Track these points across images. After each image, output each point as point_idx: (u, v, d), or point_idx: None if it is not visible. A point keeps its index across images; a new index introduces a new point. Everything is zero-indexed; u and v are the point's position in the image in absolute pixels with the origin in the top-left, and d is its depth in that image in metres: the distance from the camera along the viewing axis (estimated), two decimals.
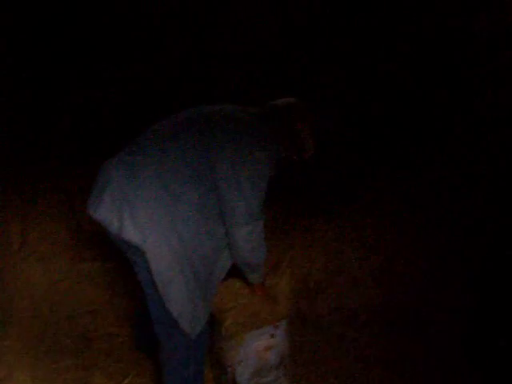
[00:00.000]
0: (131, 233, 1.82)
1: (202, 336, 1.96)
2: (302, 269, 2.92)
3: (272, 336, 2.11)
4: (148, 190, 1.83)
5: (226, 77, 3.97)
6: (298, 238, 3.14)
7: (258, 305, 2.15)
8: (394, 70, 3.71)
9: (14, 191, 3.43)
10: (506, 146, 3.20)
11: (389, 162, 3.53)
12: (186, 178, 1.85)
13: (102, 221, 1.88)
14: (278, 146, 2.01)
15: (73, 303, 2.73)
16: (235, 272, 2.11)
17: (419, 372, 2.42)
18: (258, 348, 2.10)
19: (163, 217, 1.82)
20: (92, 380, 2.34)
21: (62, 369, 2.38)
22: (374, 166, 3.54)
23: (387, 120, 3.68)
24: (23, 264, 2.94)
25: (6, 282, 2.81)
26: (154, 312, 1.94)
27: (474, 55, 3.47)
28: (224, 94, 3.49)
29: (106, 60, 4.08)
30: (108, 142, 2.58)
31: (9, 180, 3.49)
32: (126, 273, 2.14)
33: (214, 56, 4.07)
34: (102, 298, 2.77)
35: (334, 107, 3.66)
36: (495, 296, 2.55)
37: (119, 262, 2.09)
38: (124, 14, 4.11)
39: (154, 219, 1.82)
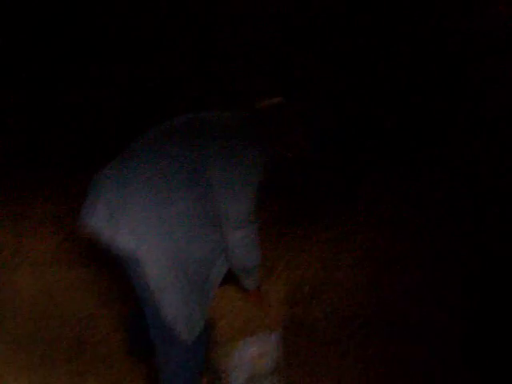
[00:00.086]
0: (126, 239, 1.82)
1: (199, 341, 1.96)
2: (297, 273, 2.91)
3: (267, 342, 2.11)
4: (141, 197, 1.84)
5: (226, 77, 3.96)
6: (294, 243, 3.12)
7: (253, 310, 2.16)
8: (394, 70, 3.71)
9: (6, 197, 3.39)
10: (506, 146, 3.20)
11: (389, 161, 3.53)
12: (178, 185, 1.85)
13: (95, 229, 1.88)
14: (270, 148, 2.01)
15: (67, 309, 2.72)
16: (231, 278, 2.11)
17: (419, 372, 2.42)
18: (253, 354, 2.11)
19: (157, 223, 1.83)
20: None
21: (56, 375, 2.39)
22: (373, 167, 3.53)
23: (387, 120, 3.67)
24: (16, 270, 2.92)
25: None
26: (149, 317, 1.94)
27: (473, 55, 3.47)
28: (224, 94, 3.49)
29: (106, 60, 4.08)
30: (105, 149, 2.55)
31: (1, 186, 3.46)
32: (119, 279, 2.14)
33: (214, 56, 4.07)
34: (96, 304, 2.76)
35: (333, 107, 3.65)
36: (495, 296, 2.55)
37: (113, 268, 2.08)
38: (124, 13, 4.11)
39: (148, 225, 1.83)
